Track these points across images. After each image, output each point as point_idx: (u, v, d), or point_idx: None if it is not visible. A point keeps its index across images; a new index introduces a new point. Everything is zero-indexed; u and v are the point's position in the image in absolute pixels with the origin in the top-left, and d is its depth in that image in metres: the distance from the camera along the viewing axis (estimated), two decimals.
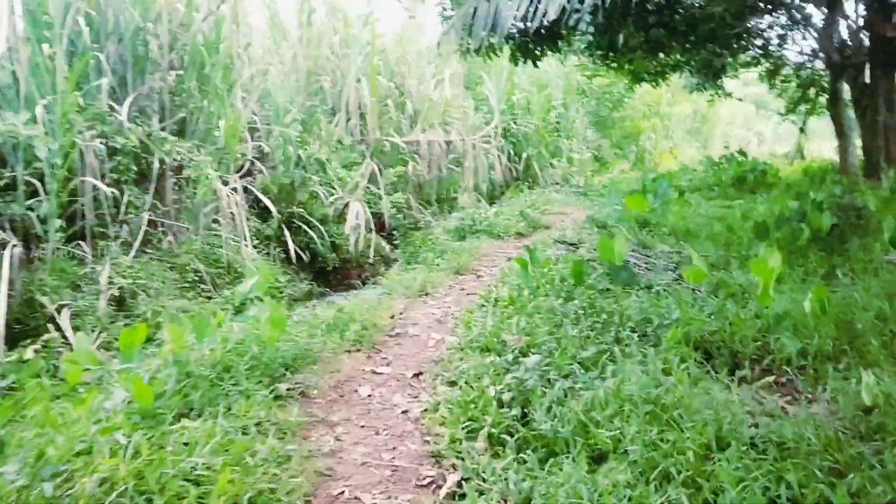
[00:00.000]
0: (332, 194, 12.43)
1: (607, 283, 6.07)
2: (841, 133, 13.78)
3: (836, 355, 4.60)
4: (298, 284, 11.38)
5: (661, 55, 13.56)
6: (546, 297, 5.47)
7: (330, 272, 12.28)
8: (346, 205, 12.47)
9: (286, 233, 11.44)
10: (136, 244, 8.90)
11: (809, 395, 4.34)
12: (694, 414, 3.48)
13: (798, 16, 15.62)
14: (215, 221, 10.16)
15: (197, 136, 10.46)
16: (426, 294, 6.32)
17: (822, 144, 29.31)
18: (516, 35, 9.28)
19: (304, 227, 11.79)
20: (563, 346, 4.46)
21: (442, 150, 14.89)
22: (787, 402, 4.20)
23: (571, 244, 7.90)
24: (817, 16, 14.04)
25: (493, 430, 3.39)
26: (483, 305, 5.53)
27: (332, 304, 5.76)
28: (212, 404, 3.29)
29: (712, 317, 5.14)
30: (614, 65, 14.03)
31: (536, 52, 10.13)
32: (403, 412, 3.84)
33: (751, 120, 41.15)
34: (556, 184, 18.80)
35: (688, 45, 12.05)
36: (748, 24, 15.48)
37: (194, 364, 3.59)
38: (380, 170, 13.80)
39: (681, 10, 9.67)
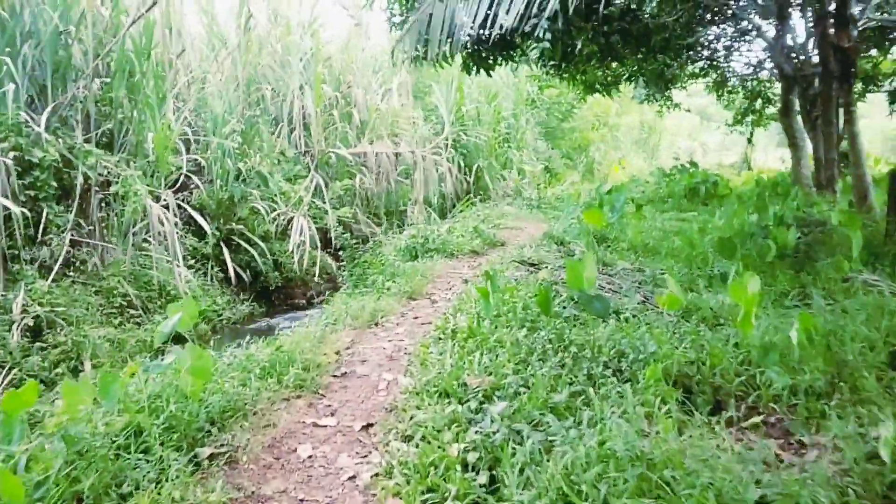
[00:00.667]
0: (275, 209, 11.75)
1: (574, 310, 5.62)
2: (793, 144, 13.71)
3: (829, 391, 4.19)
4: (238, 307, 10.68)
5: (615, 64, 13.28)
6: (509, 327, 4.95)
7: (273, 292, 11.59)
8: (290, 220, 11.81)
9: (225, 251, 10.73)
10: (56, 267, 8.10)
11: (803, 439, 3.92)
12: (689, 475, 2.99)
13: (748, 26, 15.62)
14: (146, 241, 9.39)
15: (126, 148, 9.68)
16: (376, 324, 5.72)
17: (768, 155, 29.81)
18: (469, 43, 8.80)
19: (245, 244, 11.09)
20: (532, 387, 3.95)
21: (390, 162, 14.33)
22: (780, 448, 3.77)
23: (531, 264, 7.41)
24: (767, 27, 14.01)
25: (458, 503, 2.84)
26: (440, 338, 4.97)
27: (270, 341, 5.10)
28: (110, 490, 2.66)
29: (689, 348, 4.70)
30: (566, 75, 13.69)
31: (489, 61, 9.66)
32: (350, 478, 3.24)
33: (695, 131, 41.80)
34: (508, 196, 18.42)
35: (641, 55, 11.76)
36: (698, 36, 15.45)
37: (92, 434, 2.94)
38: (325, 183, 13.16)
39: (639, 19, 9.33)
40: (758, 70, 18.66)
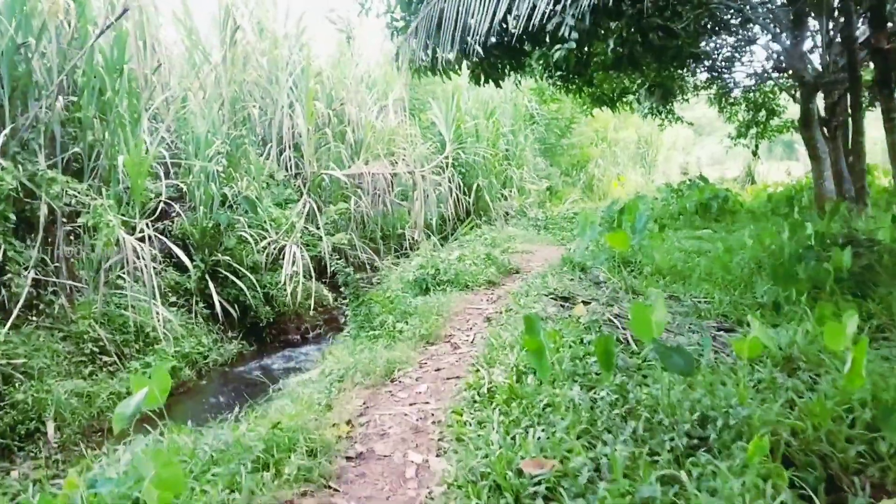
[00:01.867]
0: (265, 237, 10.77)
1: (624, 353, 4.70)
2: (815, 157, 12.87)
3: None
4: (226, 346, 9.69)
5: (632, 75, 12.44)
6: (558, 384, 4.00)
7: (264, 327, 10.58)
8: (281, 249, 10.83)
9: (210, 285, 9.74)
10: (16, 311, 7.08)
11: None
12: None
13: (757, 34, 14.88)
14: (121, 277, 8.39)
15: (98, 174, 8.70)
16: (392, 380, 4.74)
17: (770, 168, 29.10)
18: (479, 50, 7.92)
19: (232, 277, 10.10)
20: (609, 472, 3.01)
21: (387, 183, 13.40)
22: None
23: (562, 298, 6.47)
24: (781, 33, 13.25)
25: None
26: (475, 401, 4.01)
27: (264, 412, 4.12)
28: None
29: (784, 407, 3.77)
30: (574, 87, 12.86)
31: (500, 69, 8.78)
32: None
33: (689, 145, 41.21)
34: (509, 216, 17.53)
35: (657, 64, 10.95)
36: (706, 45, 14.72)
37: None
38: (318, 207, 12.21)
39: (660, 25, 8.50)
40: (762, 80, 17.91)
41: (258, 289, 10.25)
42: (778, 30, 12.74)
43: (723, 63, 16.67)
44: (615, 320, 5.62)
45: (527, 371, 4.32)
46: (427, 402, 4.22)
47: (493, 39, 7.92)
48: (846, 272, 7.04)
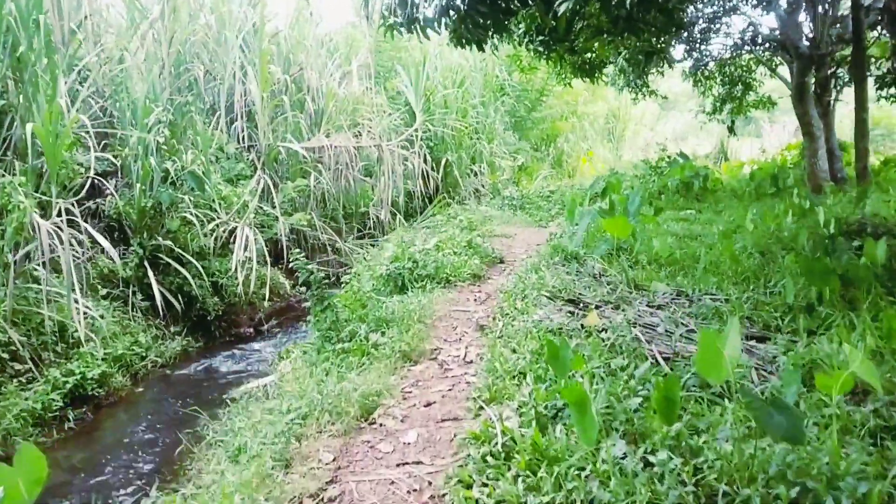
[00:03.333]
0: (213, 219, 9.52)
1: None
2: (809, 134, 12.06)
3: None
4: (168, 343, 8.49)
5: (616, 41, 11.37)
6: (598, 437, 2.97)
7: (212, 320, 9.38)
8: (232, 232, 9.61)
9: (150, 274, 8.50)
10: None
11: None
12: None
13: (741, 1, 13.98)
14: (37, 268, 7.11)
15: (13, 147, 7.38)
16: (370, 422, 3.66)
17: (741, 145, 28.50)
18: (462, 6, 6.77)
19: (175, 264, 8.87)
20: None
21: (351, 157, 12.18)
22: None
23: (571, 302, 5.44)
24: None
25: None
26: (485, 462, 2.95)
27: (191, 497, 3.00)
28: None
29: None
30: (555, 54, 11.76)
31: (484, 29, 7.62)
32: None
33: (656, 120, 40.47)
34: (480, 194, 16.47)
35: (650, 30, 9.90)
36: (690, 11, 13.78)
37: None
38: (275, 184, 10.98)
39: None
40: (741, 51, 17.06)
41: (205, 277, 9.05)
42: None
43: (699, 34, 15.78)
44: (636, 331, 4.62)
45: (549, 413, 3.29)
46: (419, 461, 3.14)
47: None
48: (880, 267, 6.21)
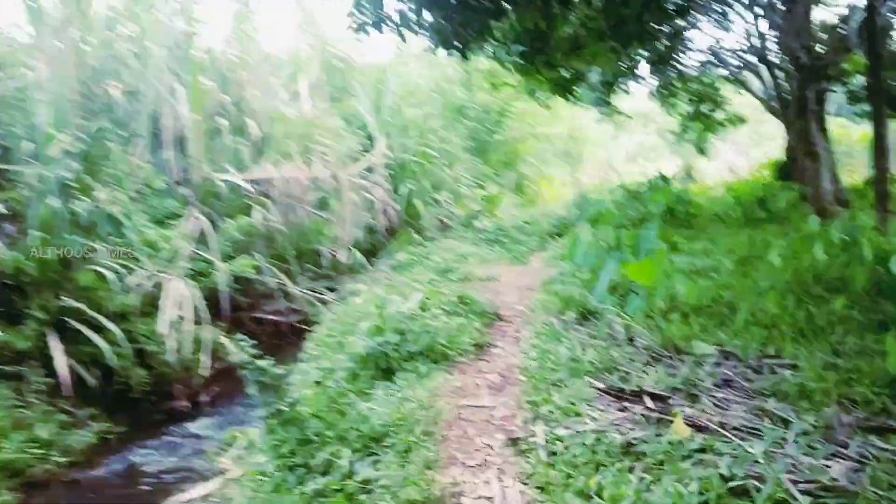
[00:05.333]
0: (137, 270, 7.75)
1: None
2: (811, 153, 10.93)
3: None
4: (78, 433, 6.66)
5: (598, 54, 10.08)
6: None
7: (139, 398, 7.57)
8: (160, 285, 7.85)
9: (53, 343, 6.70)
10: None
11: None
12: None
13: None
14: None
15: None
16: None
17: (706, 164, 27.69)
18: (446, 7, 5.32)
19: (88, 329, 7.07)
20: None
21: (303, 189, 10.50)
22: None
23: (623, 393, 3.91)
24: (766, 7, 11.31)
25: None
26: None
27: None
28: None
29: None
30: (532, 68, 10.44)
31: (467, 35, 6.16)
32: None
33: (610, 140, 39.73)
34: (445, 226, 14.93)
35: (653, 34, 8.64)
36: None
37: None
38: (213, 223, 9.25)
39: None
40: (704, 68, 16.12)
41: (124, 345, 7.26)
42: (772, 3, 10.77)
43: (670, 48, 14.66)
44: (754, 450, 3.14)
45: None
46: None
47: None
48: None
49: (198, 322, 7.99)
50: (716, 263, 8.55)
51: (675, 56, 14.75)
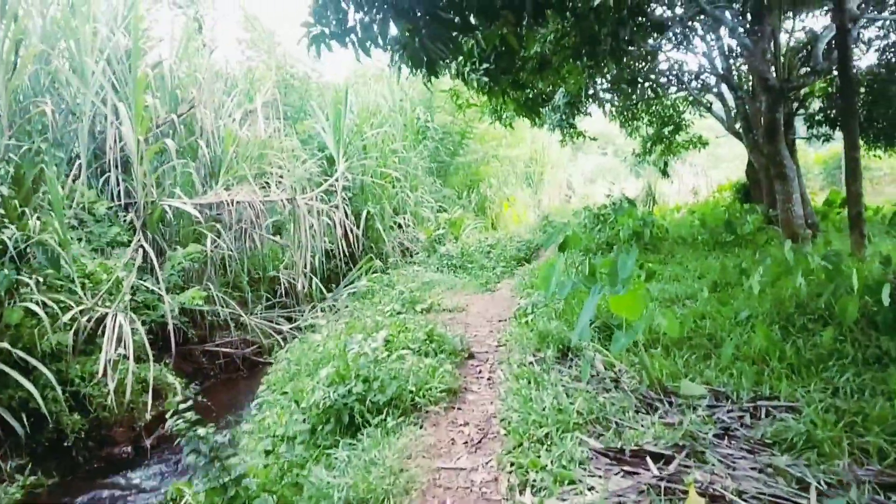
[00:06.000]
0: (70, 306, 7.07)
1: None
2: (781, 175, 10.72)
3: None
4: (2, 488, 5.95)
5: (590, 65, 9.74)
6: None
7: (75, 445, 6.87)
8: (101, 320, 7.19)
9: None
10: None
11: None
12: None
13: (701, 31, 12.77)
14: None
15: None
16: None
17: (662, 187, 27.68)
18: (416, 10, 4.86)
19: (15, 372, 6.37)
20: None
21: (258, 214, 9.92)
22: None
23: (623, 454, 3.46)
24: (734, 27, 11.16)
25: None
26: None
27: None
28: None
29: None
30: (498, 89, 10.06)
31: (436, 49, 5.70)
32: None
33: (567, 161, 39.81)
34: (405, 248, 14.45)
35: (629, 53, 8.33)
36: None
37: None
38: (161, 251, 8.61)
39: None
40: (668, 88, 16.04)
41: (56, 388, 6.56)
42: (738, 24, 10.58)
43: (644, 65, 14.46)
44: None
45: None
46: None
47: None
48: None
49: (142, 359, 7.34)
50: (690, 290, 8.23)
51: (649, 76, 14.60)
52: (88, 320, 7.15)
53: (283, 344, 9.87)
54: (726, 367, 5.22)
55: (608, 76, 13.07)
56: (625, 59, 9.73)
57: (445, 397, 4.64)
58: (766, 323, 6.11)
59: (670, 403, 4.63)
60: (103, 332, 7.05)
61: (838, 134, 14.97)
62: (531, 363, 5.33)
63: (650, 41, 10.95)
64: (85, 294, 7.23)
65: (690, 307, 7.40)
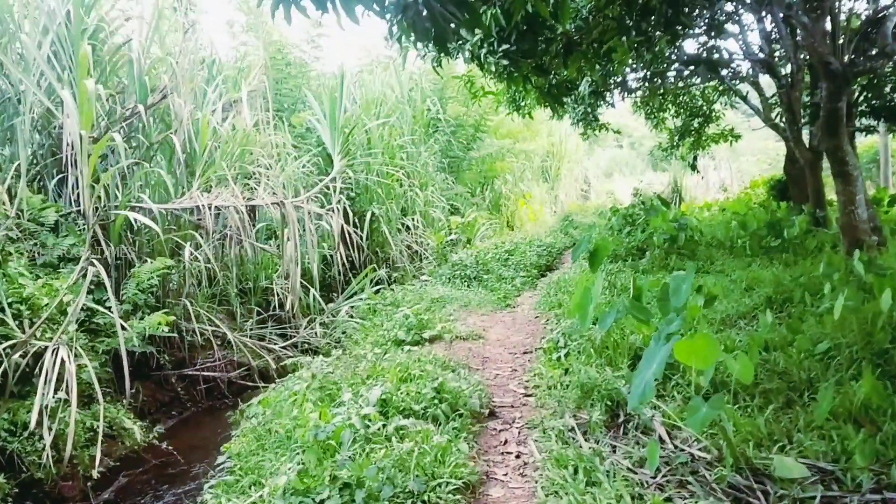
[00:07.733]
0: (5, 337, 5.78)
1: None
2: (844, 174, 9.29)
3: None
4: None
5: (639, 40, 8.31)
6: None
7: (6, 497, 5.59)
8: (40, 356, 5.89)
9: None
10: None
11: None
12: None
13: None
14: None
15: None
16: None
17: (699, 183, 26.24)
18: None
19: None
20: None
21: (243, 220, 8.58)
22: None
23: None
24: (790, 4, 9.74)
25: None
26: None
27: None
28: None
29: None
30: (519, 74, 8.70)
31: (449, 27, 4.35)
32: None
33: (583, 155, 38.38)
34: (414, 253, 13.12)
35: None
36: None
37: None
38: (129, 264, 7.32)
39: None
40: (691, 76, 14.56)
41: None
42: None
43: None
44: None
45: None
46: None
47: None
48: None
49: (92, 399, 6.06)
50: (742, 307, 6.89)
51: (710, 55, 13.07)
52: (23, 356, 5.85)
53: (274, 365, 8.65)
54: (820, 427, 3.89)
55: (658, 57, 11.56)
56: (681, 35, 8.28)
57: (464, 494, 3.28)
58: (868, 363, 4.70)
59: (765, 495, 3.31)
60: (41, 372, 5.76)
61: None
62: (572, 432, 3.98)
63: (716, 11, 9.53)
64: (21, 323, 5.94)
65: (747, 331, 6.09)
